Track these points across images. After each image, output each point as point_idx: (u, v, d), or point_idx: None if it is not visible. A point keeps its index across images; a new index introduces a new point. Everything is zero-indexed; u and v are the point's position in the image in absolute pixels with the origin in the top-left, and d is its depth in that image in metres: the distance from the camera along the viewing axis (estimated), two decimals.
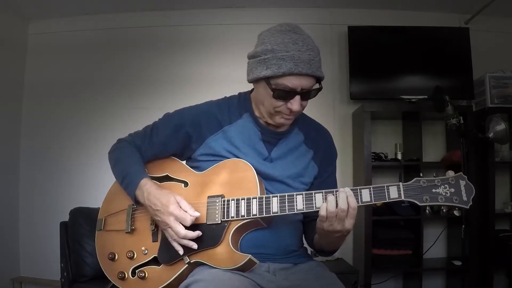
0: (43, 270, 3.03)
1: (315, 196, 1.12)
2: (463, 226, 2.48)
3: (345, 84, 3.16)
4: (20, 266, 3.15)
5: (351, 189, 1.10)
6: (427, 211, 2.95)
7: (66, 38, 3.30)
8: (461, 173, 1.11)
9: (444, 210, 3.00)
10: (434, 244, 2.98)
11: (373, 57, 3.07)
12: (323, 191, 1.12)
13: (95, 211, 1.68)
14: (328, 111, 3.18)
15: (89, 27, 3.30)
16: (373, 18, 3.23)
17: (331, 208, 1.07)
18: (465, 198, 1.09)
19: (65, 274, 1.78)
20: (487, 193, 2.81)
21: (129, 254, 1.26)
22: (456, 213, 1.18)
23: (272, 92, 1.16)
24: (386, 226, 2.89)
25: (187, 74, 3.22)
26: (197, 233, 1.16)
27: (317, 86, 1.20)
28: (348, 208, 1.07)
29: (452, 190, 1.09)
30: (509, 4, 3.00)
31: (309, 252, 1.39)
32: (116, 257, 1.29)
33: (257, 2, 3.22)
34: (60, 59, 3.29)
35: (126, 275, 1.25)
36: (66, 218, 1.85)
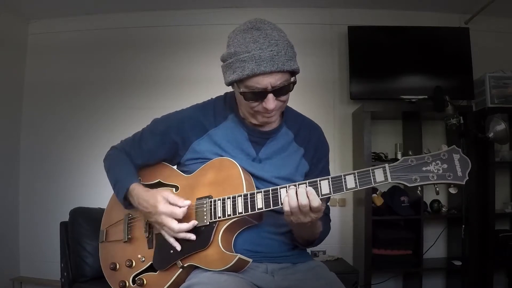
0: (43, 270, 3.03)
1: (298, 188, 1.08)
2: (463, 226, 2.48)
3: (345, 84, 3.16)
4: (20, 266, 3.15)
5: (310, 181, 1.07)
6: (427, 211, 2.96)
7: (66, 38, 3.31)
8: (454, 146, 1.03)
9: (444, 209, 3.01)
10: (434, 244, 2.99)
11: (373, 57, 3.07)
12: (307, 181, 1.09)
13: (95, 211, 1.67)
14: (328, 111, 3.17)
15: (89, 27, 3.30)
16: (373, 18, 3.22)
17: (293, 203, 1.05)
18: (460, 174, 1.00)
19: (65, 274, 1.78)
20: (487, 193, 2.81)
21: (128, 263, 1.28)
22: (451, 190, 1.04)
23: (242, 95, 1.14)
24: (386, 226, 2.89)
25: (187, 74, 3.22)
26: (192, 223, 1.15)
27: (292, 79, 1.15)
28: (309, 203, 1.05)
29: (445, 166, 1.00)
30: (509, 4, 3.00)
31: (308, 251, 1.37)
32: (117, 266, 1.31)
33: (257, 2, 3.22)
34: (60, 59, 3.30)
35: (127, 284, 1.26)
36: (66, 218, 1.85)
